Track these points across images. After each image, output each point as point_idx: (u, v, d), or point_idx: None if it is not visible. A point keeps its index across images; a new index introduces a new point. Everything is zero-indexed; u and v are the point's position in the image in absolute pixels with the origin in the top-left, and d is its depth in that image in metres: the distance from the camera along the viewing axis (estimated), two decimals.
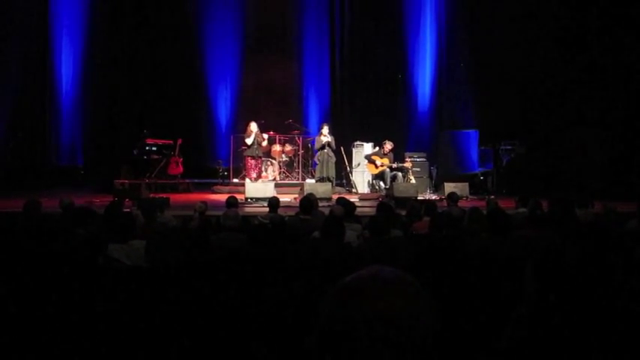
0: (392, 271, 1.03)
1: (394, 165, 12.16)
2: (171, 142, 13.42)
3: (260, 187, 11.08)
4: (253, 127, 12.47)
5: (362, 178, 13.26)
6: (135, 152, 13.17)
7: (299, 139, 13.87)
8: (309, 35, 15.98)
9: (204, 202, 7.25)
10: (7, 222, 6.12)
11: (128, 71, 14.60)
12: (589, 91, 13.18)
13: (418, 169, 12.78)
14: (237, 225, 5.25)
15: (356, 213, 7.26)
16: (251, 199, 10.49)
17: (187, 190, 12.82)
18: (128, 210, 7.59)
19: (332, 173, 12.64)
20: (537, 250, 1.60)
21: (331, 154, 12.65)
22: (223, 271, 3.56)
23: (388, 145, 12.27)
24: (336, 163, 12.83)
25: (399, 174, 12.04)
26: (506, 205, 8.08)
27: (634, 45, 12.75)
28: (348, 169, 13.26)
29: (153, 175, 12.93)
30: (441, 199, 10.66)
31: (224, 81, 15.79)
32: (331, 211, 6.05)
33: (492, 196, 10.75)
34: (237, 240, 4.91)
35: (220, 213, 5.83)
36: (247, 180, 12.13)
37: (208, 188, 12.98)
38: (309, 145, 13.90)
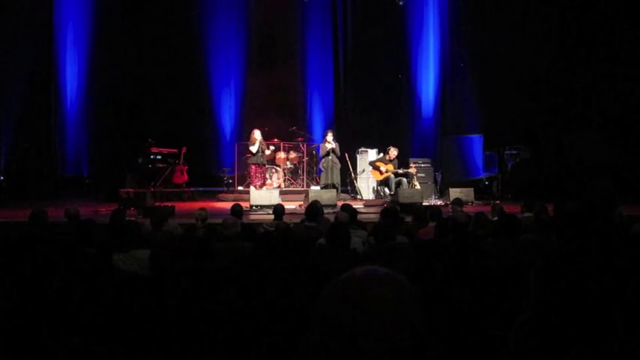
0: (385, 270, 1.06)
1: (399, 171, 12.16)
2: (175, 150, 13.45)
3: (265, 194, 11.08)
4: (257, 134, 12.48)
5: (367, 184, 13.25)
6: (140, 161, 13.21)
7: (303, 146, 13.88)
8: (312, 42, 16.02)
9: (204, 209, 7.24)
10: (13, 232, 6.14)
11: (133, 80, 14.66)
12: (594, 95, 13.16)
13: (423, 175, 12.77)
14: (237, 232, 5.25)
15: (362, 219, 7.25)
16: (256, 206, 10.49)
17: (192, 199, 12.84)
18: (133, 219, 7.61)
19: (337, 180, 12.64)
20: (541, 254, 1.59)
21: (336, 160, 12.65)
22: (229, 280, 3.56)
23: (393, 152, 12.27)
24: (340, 169, 12.83)
25: (404, 180, 12.02)
26: (512, 209, 8.05)
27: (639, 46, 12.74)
28: (353, 175, 13.25)
29: (158, 184, 12.96)
30: (446, 205, 10.64)
31: (228, 89, 15.84)
32: (336, 218, 6.03)
33: (498, 201, 10.74)
34: (243, 248, 4.90)
35: None
36: (252, 188, 12.13)
37: (213, 196, 13.00)
38: (314, 152, 13.92)
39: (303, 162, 13.85)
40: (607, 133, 12.89)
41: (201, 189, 13.81)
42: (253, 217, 9.57)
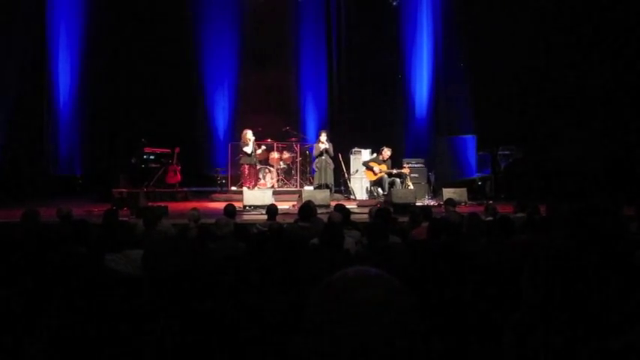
0: (377, 271, 1.05)
1: (392, 171, 12.17)
2: (169, 150, 13.42)
3: (258, 194, 11.07)
4: (250, 134, 12.48)
5: (360, 184, 13.26)
6: (133, 161, 13.17)
7: (297, 146, 13.88)
8: (306, 42, 16.02)
9: (196, 209, 7.23)
10: (5, 232, 6.10)
11: (126, 80, 14.61)
12: (587, 95, 13.21)
13: (416, 175, 12.79)
14: (231, 232, 5.24)
15: (355, 220, 7.26)
16: (249, 206, 10.48)
17: (185, 199, 12.80)
18: (125, 219, 7.58)
19: (330, 180, 12.65)
20: (533, 255, 1.60)
21: (329, 161, 12.66)
22: (222, 280, 3.55)
23: (386, 152, 12.29)
24: (334, 170, 12.84)
25: (397, 180, 12.04)
26: (505, 210, 8.08)
27: (632, 48, 12.80)
28: (347, 175, 13.27)
29: (151, 184, 12.92)
30: (439, 205, 10.67)
31: (222, 89, 15.82)
32: (329, 218, 6.04)
33: (491, 202, 10.76)
34: (236, 248, 4.90)
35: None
36: (245, 188, 12.11)
37: (206, 196, 12.96)
38: (308, 152, 13.92)
39: (297, 162, 13.85)
40: (600, 133, 12.94)
41: (194, 189, 13.77)
42: (246, 217, 9.56)
